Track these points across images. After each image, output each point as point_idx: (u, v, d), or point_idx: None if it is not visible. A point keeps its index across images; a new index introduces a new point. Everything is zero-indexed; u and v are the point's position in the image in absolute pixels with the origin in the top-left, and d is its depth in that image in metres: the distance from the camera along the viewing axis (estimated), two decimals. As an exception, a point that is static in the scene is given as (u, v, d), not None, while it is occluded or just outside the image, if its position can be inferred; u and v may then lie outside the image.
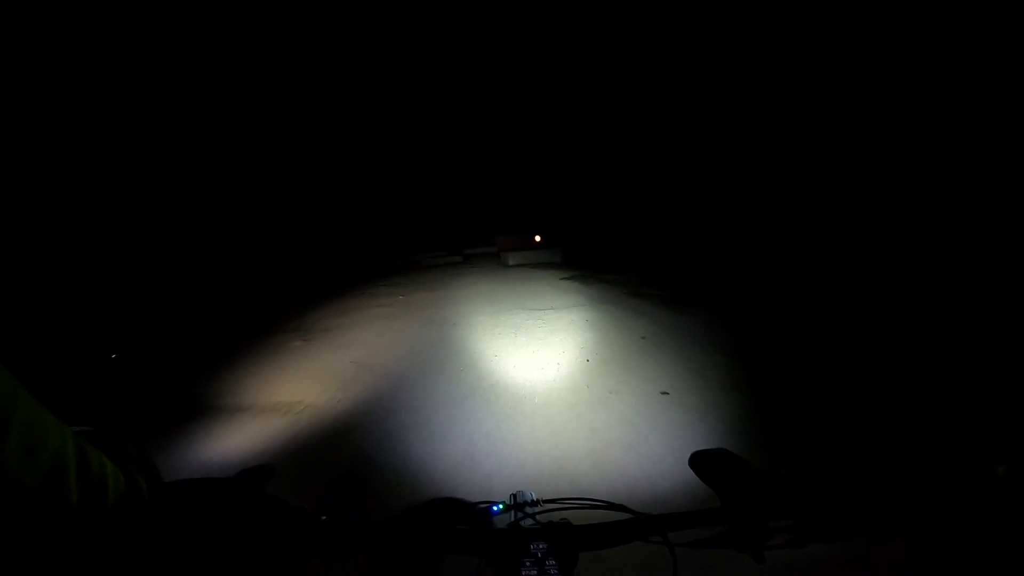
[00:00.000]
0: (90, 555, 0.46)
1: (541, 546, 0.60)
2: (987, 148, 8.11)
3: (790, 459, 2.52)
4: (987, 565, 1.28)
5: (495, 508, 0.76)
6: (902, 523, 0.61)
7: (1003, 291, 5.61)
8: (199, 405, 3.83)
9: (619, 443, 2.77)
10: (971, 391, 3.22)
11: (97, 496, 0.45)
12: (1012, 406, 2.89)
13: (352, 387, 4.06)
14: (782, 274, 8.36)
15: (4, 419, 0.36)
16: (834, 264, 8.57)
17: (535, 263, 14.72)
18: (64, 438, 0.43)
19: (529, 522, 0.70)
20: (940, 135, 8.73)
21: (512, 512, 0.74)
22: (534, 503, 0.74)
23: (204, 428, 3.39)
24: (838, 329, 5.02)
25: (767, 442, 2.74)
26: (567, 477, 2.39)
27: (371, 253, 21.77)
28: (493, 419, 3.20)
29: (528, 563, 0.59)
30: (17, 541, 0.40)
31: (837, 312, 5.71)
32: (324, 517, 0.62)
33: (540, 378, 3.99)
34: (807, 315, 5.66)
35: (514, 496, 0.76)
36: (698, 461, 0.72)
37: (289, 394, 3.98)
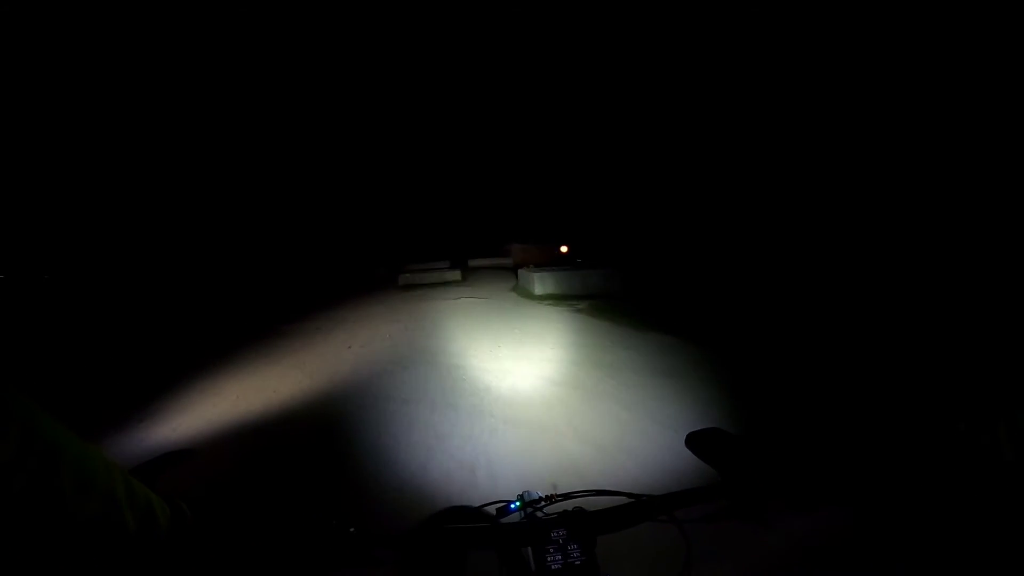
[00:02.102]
0: None
1: (561, 532, 0.61)
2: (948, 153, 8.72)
3: (778, 431, 2.54)
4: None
5: (512, 505, 0.75)
6: (887, 481, 0.91)
7: (962, 270, 5.94)
8: None
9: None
10: (933, 356, 3.45)
11: (151, 524, 0.48)
12: (970, 368, 3.10)
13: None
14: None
15: (54, 458, 0.40)
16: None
17: (583, 294, 8.26)
18: (111, 471, 0.46)
19: (542, 515, 0.71)
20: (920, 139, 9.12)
21: (526, 508, 0.73)
22: (548, 497, 0.74)
23: None
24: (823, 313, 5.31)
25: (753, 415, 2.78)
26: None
27: (343, 262, 16.00)
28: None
29: (552, 549, 0.60)
30: (88, 572, 0.43)
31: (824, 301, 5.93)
32: (352, 529, 0.62)
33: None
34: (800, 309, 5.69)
35: (521, 496, 0.76)
36: (694, 441, 0.76)
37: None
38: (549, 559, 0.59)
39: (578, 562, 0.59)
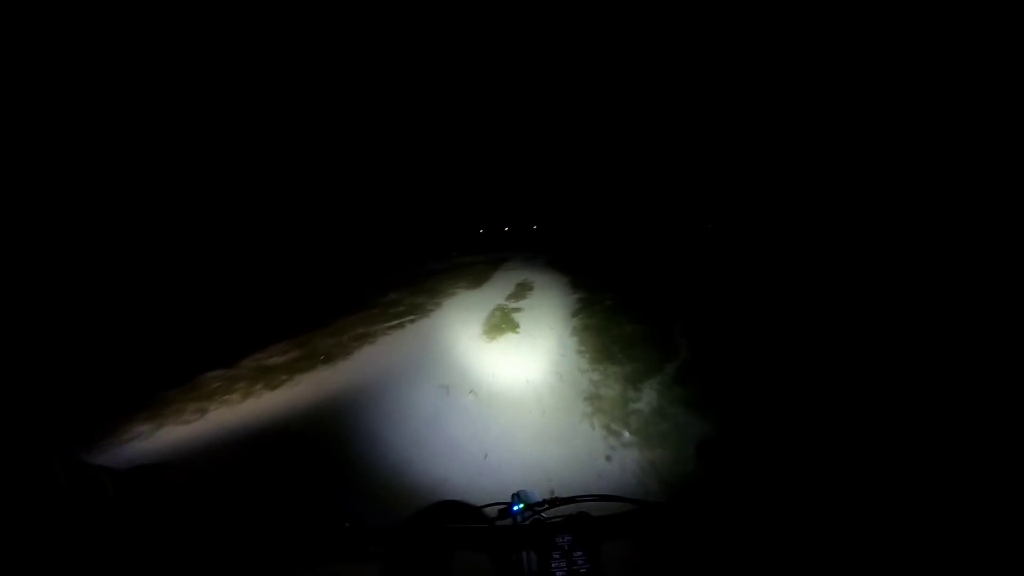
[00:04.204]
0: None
1: (566, 538, 0.60)
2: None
3: (781, 440, 2.51)
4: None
5: (515, 508, 0.72)
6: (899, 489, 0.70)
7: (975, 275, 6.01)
8: None
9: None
10: (951, 366, 3.25)
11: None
12: (989, 380, 2.92)
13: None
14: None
15: None
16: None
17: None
18: None
19: (544, 519, 0.69)
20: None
21: (527, 512, 0.71)
22: (550, 501, 0.72)
23: None
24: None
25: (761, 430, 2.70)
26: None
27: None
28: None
29: (557, 556, 0.58)
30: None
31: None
32: (348, 524, 0.62)
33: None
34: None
35: (517, 495, 0.74)
36: (701, 450, 0.88)
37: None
38: (554, 565, 0.57)
39: (583, 570, 0.57)
